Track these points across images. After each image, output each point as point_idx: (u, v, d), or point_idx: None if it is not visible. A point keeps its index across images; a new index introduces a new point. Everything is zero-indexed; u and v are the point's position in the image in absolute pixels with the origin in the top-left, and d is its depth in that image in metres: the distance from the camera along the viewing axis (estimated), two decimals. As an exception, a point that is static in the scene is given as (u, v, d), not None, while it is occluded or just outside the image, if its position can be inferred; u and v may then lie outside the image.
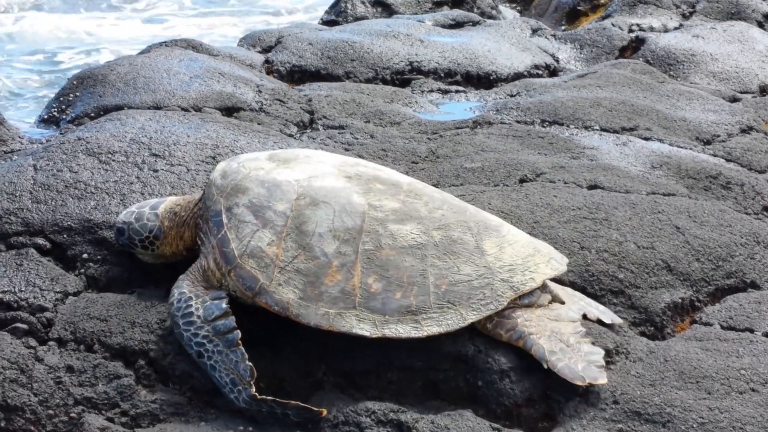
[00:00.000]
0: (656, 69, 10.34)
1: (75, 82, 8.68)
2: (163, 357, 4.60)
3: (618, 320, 5.11)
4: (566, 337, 4.52)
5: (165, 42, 10.40)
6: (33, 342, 4.69)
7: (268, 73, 10.04)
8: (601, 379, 4.38)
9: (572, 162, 7.23)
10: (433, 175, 6.95)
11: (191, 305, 4.43)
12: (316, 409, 4.28)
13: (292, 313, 4.31)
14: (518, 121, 8.56)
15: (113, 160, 6.33)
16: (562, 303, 4.86)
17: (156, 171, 6.23)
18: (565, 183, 6.69)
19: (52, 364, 4.48)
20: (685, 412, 4.35)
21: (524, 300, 4.64)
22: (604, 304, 5.31)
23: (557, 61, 11.44)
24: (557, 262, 4.83)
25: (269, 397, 4.28)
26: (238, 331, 4.35)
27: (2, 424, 4.12)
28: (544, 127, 8.45)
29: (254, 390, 4.26)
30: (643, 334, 5.21)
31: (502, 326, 4.56)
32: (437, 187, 6.57)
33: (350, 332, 4.30)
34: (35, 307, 5.04)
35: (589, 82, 9.49)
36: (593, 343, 4.61)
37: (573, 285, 5.41)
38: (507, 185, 6.71)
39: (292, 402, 4.28)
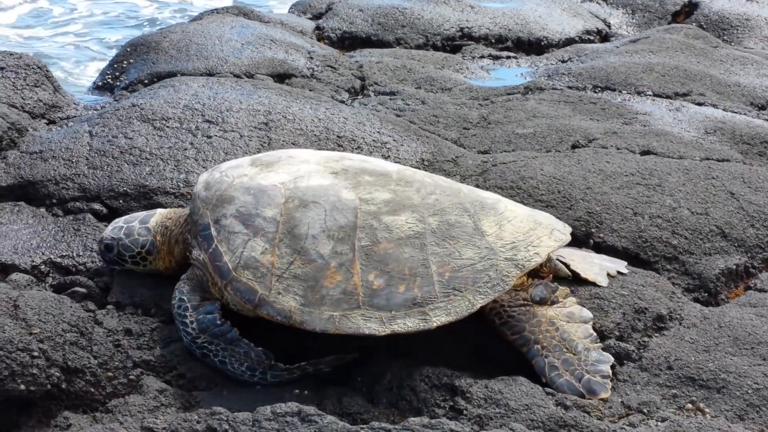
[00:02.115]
0: (709, 34, 10.25)
1: (128, 49, 8.77)
2: (219, 321, 4.65)
3: (625, 263, 5.15)
4: (575, 344, 4.33)
5: (217, 9, 10.45)
6: (92, 306, 4.75)
7: (318, 40, 10.06)
8: (603, 393, 4.16)
9: (625, 128, 7.20)
10: (485, 141, 6.94)
11: (186, 316, 4.33)
12: (348, 355, 4.31)
13: (296, 320, 4.15)
14: (570, 87, 8.53)
15: (167, 127, 6.39)
16: (574, 275, 4.85)
17: (209, 137, 6.28)
18: (618, 149, 6.67)
19: (110, 328, 4.54)
20: (740, 378, 4.32)
21: (536, 296, 4.48)
22: (656, 270, 5.30)
23: (609, 26, 11.37)
24: (560, 232, 4.63)
25: (299, 364, 4.26)
26: (235, 329, 4.27)
27: (63, 386, 4.18)
28: (596, 92, 8.41)
29: (280, 364, 4.24)
30: (696, 300, 5.19)
31: (508, 326, 4.42)
32: (487, 154, 6.61)
33: (358, 333, 4.14)
34: (93, 271, 5.13)
35: (641, 47, 9.42)
36: (603, 349, 4.44)
37: (626, 251, 5.41)
38: (559, 151, 6.70)
39: (324, 359, 4.28)
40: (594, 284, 4.86)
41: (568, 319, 4.43)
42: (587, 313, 4.48)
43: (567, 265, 4.90)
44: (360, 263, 4.19)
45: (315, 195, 4.36)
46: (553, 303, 4.50)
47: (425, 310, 4.16)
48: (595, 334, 4.43)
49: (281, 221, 4.28)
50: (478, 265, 4.29)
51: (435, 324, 4.16)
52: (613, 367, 4.35)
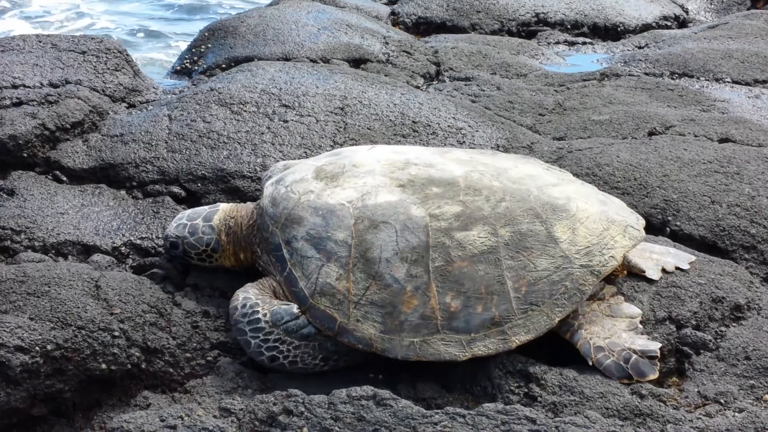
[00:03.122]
0: (791, 19, 10.08)
1: (206, 34, 8.86)
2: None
3: (691, 258, 4.92)
4: (619, 333, 4.30)
5: (293, -7, 10.49)
6: (170, 287, 4.83)
7: (393, 25, 10.09)
8: (651, 374, 4.11)
9: (702, 115, 7.12)
10: (560, 127, 6.92)
11: (257, 311, 4.26)
12: None
13: (377, 348, 4.09)
14: (647, 73, 8.46)
15: (245, 111, 6.45)
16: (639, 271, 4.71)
17: (286, 122, 6.33)
18: (696, 136, 6.60)
19: (189, 309, 4.60)
20: (819, 369, 4.27)
21: None
22: (734, 259, 5.24)
23: (687, 12, 11.24)
24: (634, 229, 4.50)
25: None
26: (312, 326, 4.21)
27: (143, 366, 4.26)
28: (673, 79, 8.33)
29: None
30: (775, 290, 5.14)
31: None
32: (563, 140, 6.57)
33: (439, 359, 4.06)
34: (172, 253, 5.21)
35: (720, 33, 9.31)
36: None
37: (703, 240, 5.37)
38: (635, 138, 6.65)
39: None
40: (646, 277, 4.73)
41: (613, 314, 4.38)
42: (635, 309, 4.42)
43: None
44: (436, 285, 4.11)
45: (384, 214, 4.27)
46: (599, 299, 4.43)
47: (504, 329, 4.09)
48: (641, 327, 4.35)
49: (353, 244, 4.22)
50: (554, 276, 4.19)
51: (515, 344, 4.09)
52: (661, 352, 4.29)
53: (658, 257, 4.84)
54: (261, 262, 4.56)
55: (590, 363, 4.17)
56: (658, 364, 4.19)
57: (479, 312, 4.09)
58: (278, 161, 5.81)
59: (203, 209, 4.96)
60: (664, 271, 4.76)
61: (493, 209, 4.29)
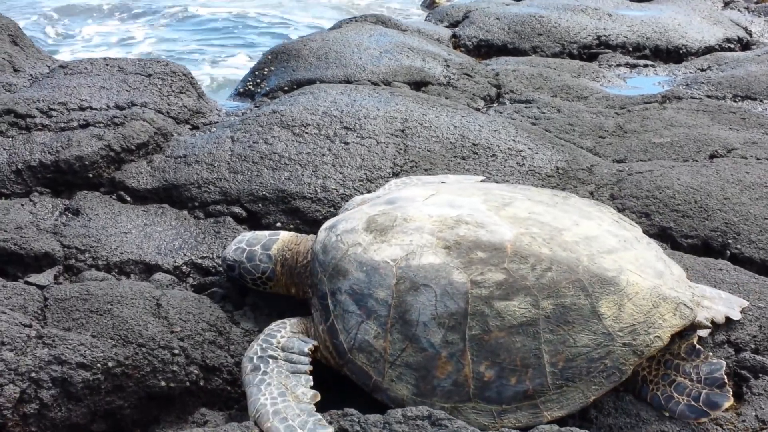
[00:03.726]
0: None
1: (270, 57, 8.97)
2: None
3: (744, 304, 4.69)
4: (681, 366, 4.15)
5: (355, 17, 10.59)
6: (229, 306, 4.89)
7: (455, 48, 10.13)
8: (726, 402, 3.98)
9: (765, 138, 7.06)
10: (621, 150, 6.90)
11: (279, 332, 4.30)
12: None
13: None
14: (709, 96, 8.41)
15: (306, 133, 6.52)
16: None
17: (347, 143, 6.39)
18: (758, 159, 6.55)
19: (247, 328, 4.65)
20: None
21: None
22: (797, 285, 5.19)
23: (750, 34, 11.15)
24: (686, 307, 4.22)
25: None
26: (310, 366, 4.18)
27: (201, 383, 4.32)
28: (735, 102, 8.27)
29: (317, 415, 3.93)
30: (836, 314, 5.07)
31: None
32: (623, 162, 6.55)
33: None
34: (232, 273, 5.27)
35: (784, 56, 9.24)
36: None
37: (764, 263, 5.32)
38: (696, 161, 6.61)
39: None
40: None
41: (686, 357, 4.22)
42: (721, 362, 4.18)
43: None
44: (471, 354, 4.05)
45: (426, 277, 4.21)
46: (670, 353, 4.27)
47: (537, 403, 4.00)
48: (698, 346, 4.21)
49: (393, 304, 4.19)
50: (594, 353, 4.04)
51: (546, 419, 4.00)
52: (729, 370, 4.26)
53: (709, 304, 4.65)
54: (309, 301, 4.58)
55: (667, 415, 4.08)
56: (730, 389, 4.05)
57: (513, 384, 4.02)
58: (338, 183, 5.87)
59: (263, 235, 4.99)
60: (713, 323, 4.56)
61: (537, 279, 4.16)
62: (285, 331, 4.31)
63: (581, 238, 4.41)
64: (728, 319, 4.59)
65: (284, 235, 4.97)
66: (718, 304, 4.66)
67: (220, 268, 5.26)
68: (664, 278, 4.35)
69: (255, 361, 4.15)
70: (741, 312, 4.65)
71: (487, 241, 4.30)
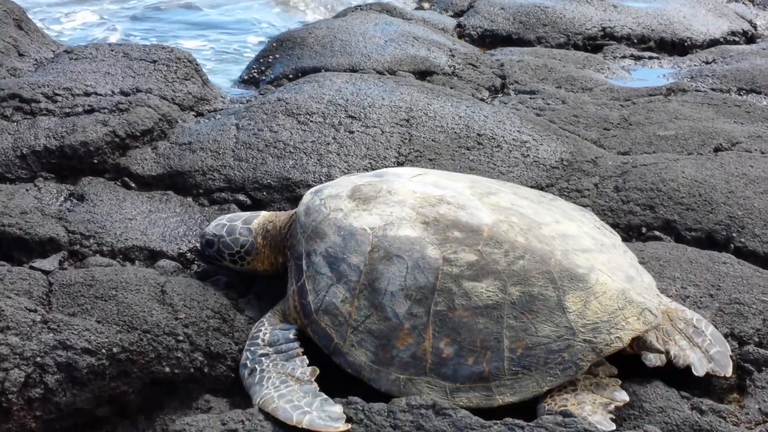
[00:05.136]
0: None
1: (274, 45, 8.96)
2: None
3: (730, 364, 4.29)
4: (584, 405, 3.98)
5: (360, 6, 10.59)
6: (234, 294, 4.89)
7: (459, 37, 10.12)
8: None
9: (770, 131, 7.07)
10: (625, 142, 6.90)
11: (261, 330, 4.35)
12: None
13: (365, 377, 4.11)
14: (714, 89, 8.41)
15: (311, 121, 6.52)
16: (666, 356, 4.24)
17: (352, 132, 6.39)
18: (762, 153, 6.55)
19: (252, 316, 4.66)
20: None
21: None
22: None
23: (755, 27, 11.14)
24: (651, 314, 4.22)
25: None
26: (301, 348, 4.23)
27: (206, 370, 4.32)
28: (740, 95, 8.27)
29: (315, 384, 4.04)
30: (839, 309, 5.07)
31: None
32: (627, 155, 6.55)
33: None
34: (236, 260, 5.28)
35: (789, 49, 9.23)
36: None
37: (767, 257, 5.33)
38: (701, 154, 6.61)
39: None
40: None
41: (596, 391, 4.08)
42: (622, 396, 4.04)
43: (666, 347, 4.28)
44: (433, 329, 4.07)
45: (400, 248, 4.25)
46: (593, 374, 4.14)
47: (490, 386, 4.01)
48: (613, 411, 3.98)
49: (364, 271, 4.24)
50: (553, 345, 4.05)
51: (498, 403, 4.00)
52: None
53: (685, 345, 4.33)
54: (288, 267, 4.62)
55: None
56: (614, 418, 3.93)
57: (470, 364, 4.03)
58: (343, 172, 5.88)
59: (245, 213, 5.07)
60: (669, 362, 4.25)
61: (509, 265, 4.17)
62: (265, 328, 4.36)
63: (558, 234, 4.43)
64: (687, 368, 4.23)
65: (265, 213, 5.05)
66: (695, 351, 4.31)
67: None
68: (633, 283, 4.35)
69: (249, 365, 4.20)
70: (708, 372, 4.24)
71: (466, 222, 4.34)
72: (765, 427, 3.98)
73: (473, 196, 4.56)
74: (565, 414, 3.89)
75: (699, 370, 4.20)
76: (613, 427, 3.86)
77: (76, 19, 13.34)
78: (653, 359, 4.21)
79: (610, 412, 3.95)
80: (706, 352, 4.30)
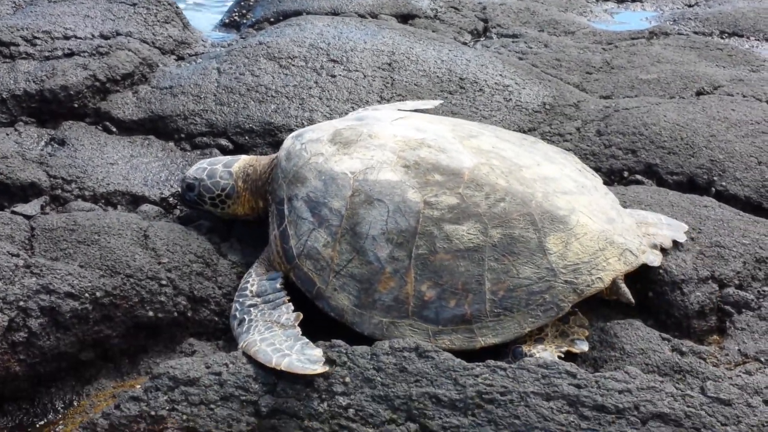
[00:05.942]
0: None
1: (255, -13, 8.88)
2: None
3: (685, 228, 4.69)
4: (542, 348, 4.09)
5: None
6: (216, 238, 4.90)
7: (442, -20, 10.04)
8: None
9: (752, 75, 7.06)
10: (608, 86, 6.89)
11: (248, 281, 4.34)
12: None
13: (347, 320, 4.13)
14: (696, 32, 8.39)
15: (293, 65, 6.49)
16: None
17: (334, 76, 6.36)
18: (744, 96, 6.56)
19: (234, 260, 4.67)
20: None
21: None
22: (782, 221, 5.21)
23: (738, -30, 11.10)
24: (632, 254, 4.29)
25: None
26: (287, 296, 4.21)
27: (189, 314, 4.34)
28: (723, 38, 8.26)
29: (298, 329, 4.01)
30: (819, 251, 5.11)
31: None
32: (610, 99, 6.55)
33: None
34: (218, 204, 5.27)
35: (772, -8, 9.21)
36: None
37: (748, 200, 5.35)
38: (683, 98, 6.61)
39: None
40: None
41: (562, 338, 4.16)
42: (582, 346, 4.11)
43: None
44: (415, 272, 4.09)
45: (381, 192, 4.26)
46: (564, 322, 4.22)
47: (472, 328, 4.04)
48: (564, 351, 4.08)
49: (345, 216, 4.25)
50: (534, 286, 4.08)
51: (480, 344, 4.04)
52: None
53: (655, 231, 4.64)
54: (269, 211, 4.62)
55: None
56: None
57: (451, 306, 4.06)
58: (325, 116, 5.86)
59: (225, 157, 5.08)
60: (662, 249, 4.56)
61: (489, 208, 4.19)
62: (252, 279, 4.36)
63: (539, 177, 4.44)
64: (675, 242, 4.60)
65: (245, 156, 5.05)
66: (663, 229, 4.68)
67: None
68: (614, 225, 4.39)
69: (238, 315, 4.20)
70: (685, 234, 4.66)
71: (446, 165, 4.35)
72: (744, 368, 4.02)
73: (454, 139, 4.57)
74: (516, 354, 4.00)
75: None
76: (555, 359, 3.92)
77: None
78: (654, 259, 4.44)
79: (561, 353, 4.03)
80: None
